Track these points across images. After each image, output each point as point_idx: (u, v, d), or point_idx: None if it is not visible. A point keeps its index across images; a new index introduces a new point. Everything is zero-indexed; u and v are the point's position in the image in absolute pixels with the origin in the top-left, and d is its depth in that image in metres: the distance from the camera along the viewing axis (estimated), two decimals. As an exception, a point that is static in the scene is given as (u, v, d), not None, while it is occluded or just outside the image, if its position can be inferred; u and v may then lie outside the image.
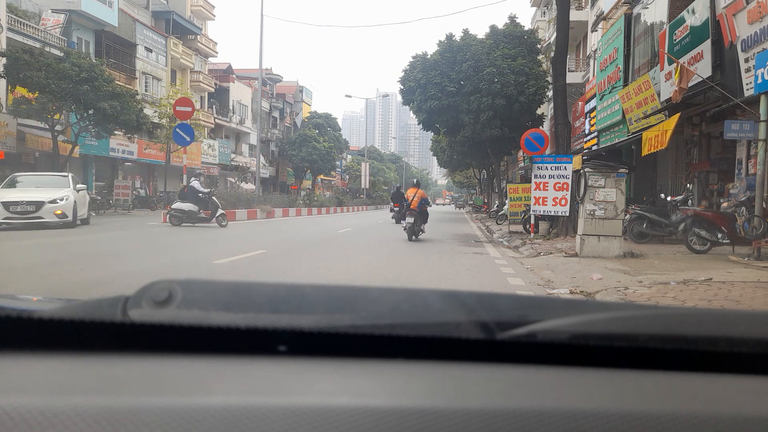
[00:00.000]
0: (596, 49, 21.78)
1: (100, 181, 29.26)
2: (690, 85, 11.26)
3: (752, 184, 9.70)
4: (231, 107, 44.44)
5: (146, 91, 31.80)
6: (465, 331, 0.74)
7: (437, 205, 69.24)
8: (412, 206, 13.81)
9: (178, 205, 16.38)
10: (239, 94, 45.99)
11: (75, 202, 14.53)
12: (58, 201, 13.99)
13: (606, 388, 0.69)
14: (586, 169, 10.20)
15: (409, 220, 13.48)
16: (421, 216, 13.89)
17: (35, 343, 0.72)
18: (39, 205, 13.76)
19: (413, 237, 13.47)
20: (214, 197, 16.68)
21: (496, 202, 28.34)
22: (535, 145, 13.56)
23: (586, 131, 21.66)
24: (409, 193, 14.37)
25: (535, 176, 13.03)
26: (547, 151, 16.26)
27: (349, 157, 77.73)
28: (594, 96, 20.22)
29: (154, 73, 33.61)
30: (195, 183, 16.74)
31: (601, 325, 0.79)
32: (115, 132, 24.63)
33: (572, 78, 24.31)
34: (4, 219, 13.54)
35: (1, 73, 20.53)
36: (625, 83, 16.53)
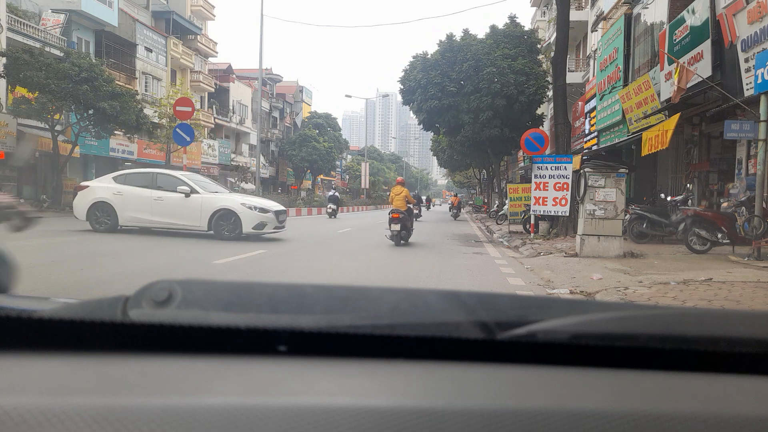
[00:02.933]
0: (596, 49, 21.77)
1: (100, 181, 29.22)
2: (690, 85, 11.26)
3: (752, 184, 9.70)
4: (231, 107, 44.42)
5: (146, 91, 31.78)
6: (465, 331, 0.74)
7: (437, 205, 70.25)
8: (454, 204, 32.39)
9: (331, 206, 27.13)
10: (239, 94, 45.97)
11: None
12: None
13: (606, 388, 0.69)
14: (586, 169, 10.21)
15: (454, 211, 31.75)
16: (458, 209, 31.89)
17: (35, 343, 0.72)
18: (283, 213, 12.94)
19: (455, 218, 29.83)
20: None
21: (496, 202, 28.35)
22: (535, 145, 13.56)
23: (586, 131, 21.66)
24: (452, 199, 33.96)
25: (535, 176, 13.03)
26: (547, 151, 16.26)
27: (349, 157, 77.68)
28: (594, 96, 20.22)
29: (154, 73, 33.60)
30: (336, 193, 28.46)
31: (601, 325, 0.79)
32: (115, 132, 24.63)
33: (572, 78, 24.30)
34: (274, 228, 12.19)
35: (1, 73, 20.52)
36: (625, 83, 16.53)
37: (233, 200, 11.95)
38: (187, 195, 11.84)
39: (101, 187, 12.34)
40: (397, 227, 11.87)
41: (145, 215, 12.03)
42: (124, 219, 12.10)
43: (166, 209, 11.92)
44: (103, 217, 12.14)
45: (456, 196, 36.32)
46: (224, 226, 11.60)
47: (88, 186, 12.56)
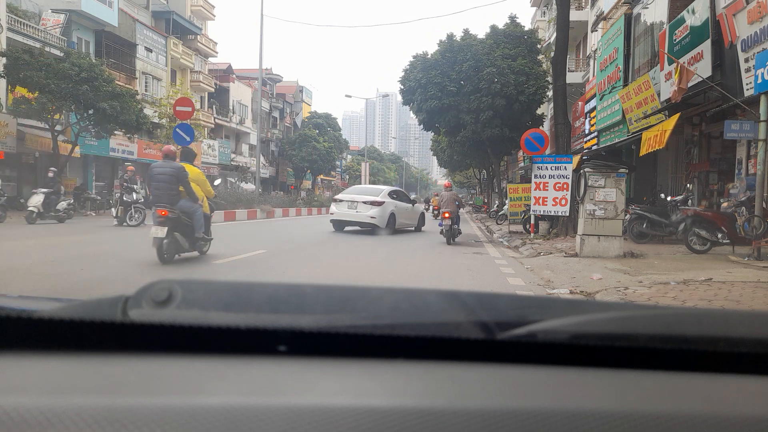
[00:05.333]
0: (596, 49, 21.77)
1: (100, 181, 29.28)
2: (690, 85, 11.26)
3: (752, 184, 9.70)
4: (231, 107, 44.41)
5: (146, 91, 31.77)
6: (465, 331, 0.74)
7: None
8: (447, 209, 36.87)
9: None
10: (239, 94, 45.96)
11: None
12: None
13: (606, 388, 0.69)
14: (586, 169, 10.20)
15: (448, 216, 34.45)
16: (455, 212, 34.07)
17: (35, 343, 0.72)
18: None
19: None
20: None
21: (496, 202, 28.34)
22: (535, 145, 13.56)
23: (586, 131, 21.65)
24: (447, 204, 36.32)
25: (535, 176, 13.03)
26: (547, 151, 16.26)
27: (349, 157, 77.68)
28: (594, 96, 20.22)
29: (154, 73, 33.59)
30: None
31: (601, 325, 0.79)
32: (115, 132, 24.62)
33: (572, 78, 24.29)
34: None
35: (1, 73, 20.51)
36: (625, 83, 16.53)
37: (421, 207, 18.91)
38: (413, 204, 17.66)
39: (390, 202, 16.06)
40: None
41: (403, 220, 16.70)
42: (398, 224, 16.23)
43: (407, 215, 16.97)
44: (392, 224, 15.98)
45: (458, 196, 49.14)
46: (422, 223, 18.19)
47: (384, 201, 15.76)
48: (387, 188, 17.46)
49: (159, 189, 7.73)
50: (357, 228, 15.77)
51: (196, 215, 8.04)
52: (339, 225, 16.04)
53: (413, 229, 17.46)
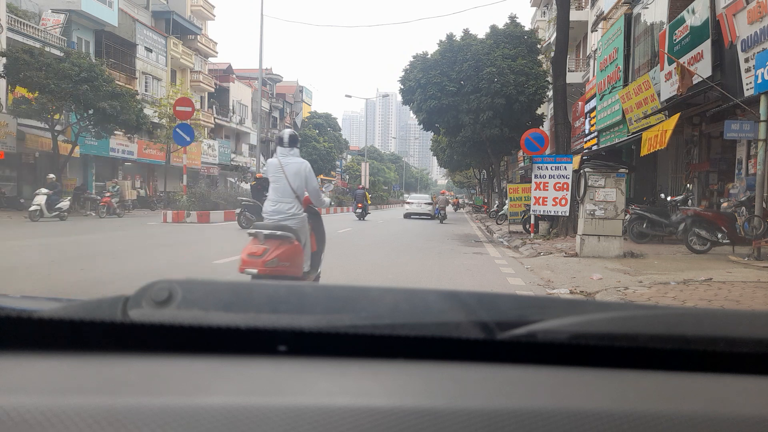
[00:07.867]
0: (596, 49, 21.78)
1: (100, 181, 29.23)
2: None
3: (752, 184, 9.70)
4: (231, 107, 44.40)
5: (146, 91, 31.76)
6: (465, 331, 0.74)
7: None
8: (456, 203, 53.21)
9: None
10: (239, 94, 45.95)
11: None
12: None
13: (606, 388, 0.69)
14: (586, 169, 10.20)
15: (454, 208, 49.11)
16: (457, 206, 51.00)
17: (35, 343, 0.72)
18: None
19: (455, 211, 48.05)
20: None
21: (496, 202, 28.36)
22: (535, 145, 13.55)
23: (586, 131, 21.66)
24: (453, 201, 53.15)
25: (535, 176, 13.03)
26: (547, 151, 16.26)
27: (349, 157, 77.65)
28: (594, 96, 20.22)
29: (154, 73, 33.59)
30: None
31: (601, 325, 0.79)
32: (115, 132, 24.63)
33: (572, 78, 24.29)
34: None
35: (1, 73, 20.52)
36: (625, 83, 16.53)
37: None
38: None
39: (432, 203, 28.72)
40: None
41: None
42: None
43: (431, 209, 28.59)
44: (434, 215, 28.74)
45: (456, 198, 54.98)
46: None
47: (431, 203, 28.94)
48: (429, 195, 31.75)
49: (357, 197, 26.66)
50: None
51: (368, 206, 26.79)
52: (407, 215, 28.66)
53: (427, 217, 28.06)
